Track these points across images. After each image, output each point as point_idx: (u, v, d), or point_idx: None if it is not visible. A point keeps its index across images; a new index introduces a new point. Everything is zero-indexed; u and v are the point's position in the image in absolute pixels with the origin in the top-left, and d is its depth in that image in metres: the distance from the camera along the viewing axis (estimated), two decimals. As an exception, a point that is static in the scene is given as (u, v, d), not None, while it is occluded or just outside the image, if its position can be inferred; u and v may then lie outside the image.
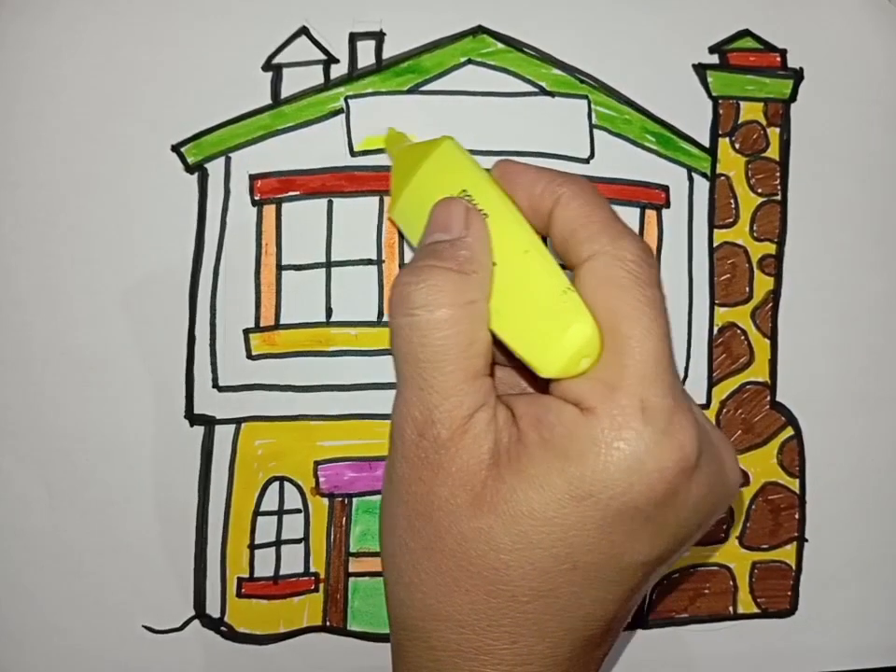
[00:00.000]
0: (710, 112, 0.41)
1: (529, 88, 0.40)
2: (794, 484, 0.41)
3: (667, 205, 0.40)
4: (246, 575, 0.39)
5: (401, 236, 0.39)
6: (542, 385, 0.29)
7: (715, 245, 0.41)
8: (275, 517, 0.39)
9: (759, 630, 0.41)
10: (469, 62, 0.39)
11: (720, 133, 0.41)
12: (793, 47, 0.41)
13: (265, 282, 0.39)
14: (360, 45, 0.39)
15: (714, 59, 0.41)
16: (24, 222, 0.38)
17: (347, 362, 0.39)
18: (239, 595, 0.39)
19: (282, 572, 0.39)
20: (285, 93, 0.39)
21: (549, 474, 0.26)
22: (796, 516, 0.41)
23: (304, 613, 0.39)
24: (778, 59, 0.41)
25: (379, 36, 0.39)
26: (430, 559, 0.27)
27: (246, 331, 0.39)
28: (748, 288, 0.41)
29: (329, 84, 0.39)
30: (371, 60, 0.39)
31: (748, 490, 0.41)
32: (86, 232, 0.38)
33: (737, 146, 0.41)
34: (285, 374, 0.39)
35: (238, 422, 0.38)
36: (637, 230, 0.40)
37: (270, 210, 0.39)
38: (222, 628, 0.38)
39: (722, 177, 0.41)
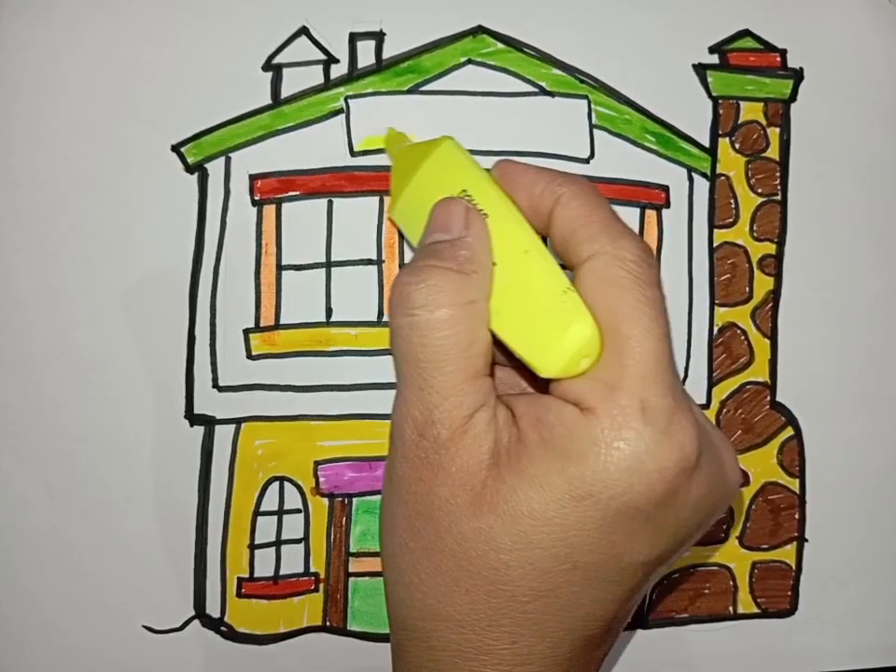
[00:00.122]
0: (710, 112, 0.41)
1: (529, 88, 0.40)
2: (794, 484, 0.41)
3: (667, 205, 0.40)
4: (246, 575, 0.39)
5: (401, 236, 0.39)
6: (542, 385, 0.29)
7: (715, 244, 0.41)
8: (275, 517, 0.39)
9: (759, 630, 0.41)
10: (469, 62, 0.39)
11: (720, 132, 0.41)
12: (793, 47, 0.41)
13: (265, 282, 0.39)
14: (360, 45, 0.39)
15: (714, 59, 0.41)
16: (24, 222, 0.38)
17: (347, 362, 0.39)
18: (239, 594, 0.39)
19: (282, 572, 0.39)
20: (285, 93, 0.39)
21: (549, 474, 0.26)
22: (796, 516, 0.41)
23: (304, 613, 0.39)
24: (778, 59, 0.41)
25: (379, 36, 0.39)
26: (430, 559, 0.27)
27: (246, 331, 0.39)
28: (748, 288, 0.41)
29: (328, 84, 0.39)
30: (371, 60, 0.39)
31: (748, 490, 0.41)
32: (86, 232, 0.38)
33: (737, 146, 0.41)
34: (285, 374, 0.39)
35: (238, 422, 0.38)
36: (637, 230, 0.40)
37: (270, 210, 0.39)
38: (222, 628, 0.38)
39: (722, 177, 0.41)
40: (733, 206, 0.41)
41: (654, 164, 0.40)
